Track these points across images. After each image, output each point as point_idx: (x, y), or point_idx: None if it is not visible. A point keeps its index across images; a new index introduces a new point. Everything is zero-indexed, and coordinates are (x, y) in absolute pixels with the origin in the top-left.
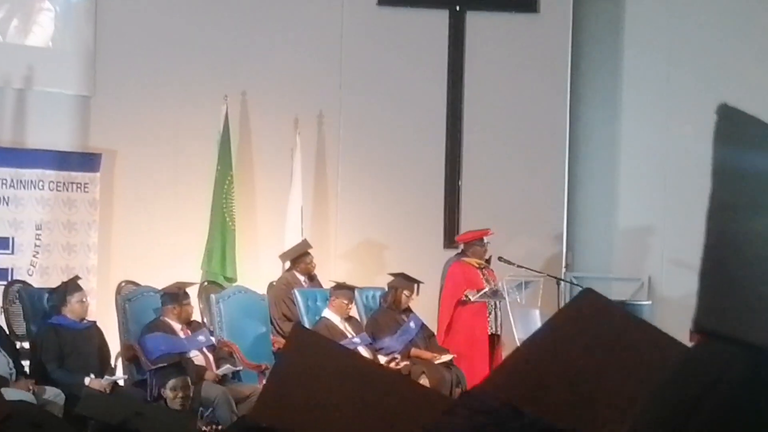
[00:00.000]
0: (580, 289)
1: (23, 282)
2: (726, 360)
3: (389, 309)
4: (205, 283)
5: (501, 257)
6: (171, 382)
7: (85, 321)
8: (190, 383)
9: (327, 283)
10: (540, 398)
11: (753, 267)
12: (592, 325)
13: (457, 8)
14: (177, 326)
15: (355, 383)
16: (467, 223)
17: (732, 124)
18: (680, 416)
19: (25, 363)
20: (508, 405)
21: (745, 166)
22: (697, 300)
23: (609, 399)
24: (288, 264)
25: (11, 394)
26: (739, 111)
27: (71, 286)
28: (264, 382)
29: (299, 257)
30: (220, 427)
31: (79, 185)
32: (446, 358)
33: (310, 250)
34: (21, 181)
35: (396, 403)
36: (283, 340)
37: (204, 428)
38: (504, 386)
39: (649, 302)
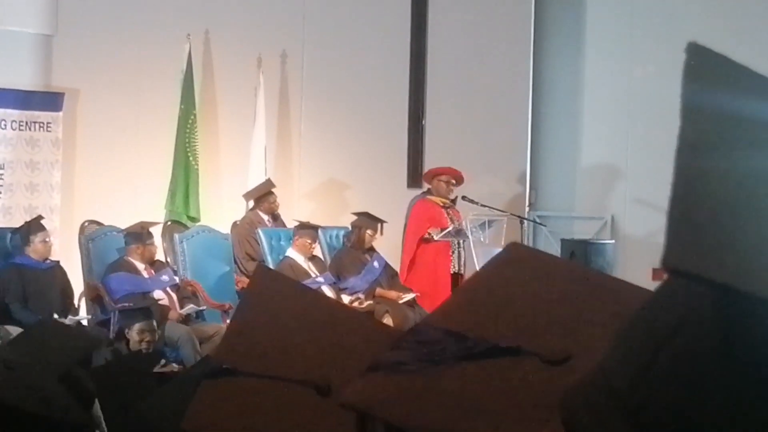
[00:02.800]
0: (543, 227)
1: None
2: (693, 299)
3: (353, 248)
4: (169, 223)
5: (465, 196)
6: (137, 326)
7: (48, 261)
8: (155, 327)
9: (291, 223)
10: (483, 324)
11: (721, 205)
12: (525, 266)
13: None
14: (140, 266)
15: (317, 324)
16: (431, 163)
17: (701, 63)
18: (647, 355)
19: None
20: (451, 332)
21: (714, 105)
22: (665, 238)
23: (551, 322)
24: (251, 203)
25: None
26: (709, 50)
27: (34, 225)
28: (228, 322)
29: (263, 196)
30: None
31: (41, 124)
32: (409, 297)
33: (273, 190)
34: None
35: (358, 343)
36: (246, 280)
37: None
38: (446, 319)
39: (612, 241)
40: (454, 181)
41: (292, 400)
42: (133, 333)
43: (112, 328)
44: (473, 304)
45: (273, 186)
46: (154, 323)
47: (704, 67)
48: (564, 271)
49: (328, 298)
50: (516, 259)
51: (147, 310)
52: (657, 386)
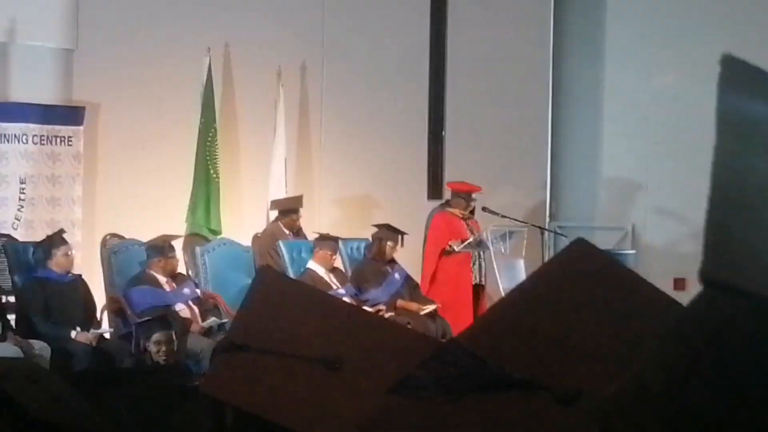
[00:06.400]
0: (564, 238)
1: (8, 236)
2: (729, 310)
3: (374, 260)
4: (190, 236)
5: (485, 207)
6: (155, 336)
7: (70, 274)
8: (174, 337)
9: (311, 235)
10: (508, 349)
11: (758, 215)
12: (579, 280)
13: None
14: (162, 279)
15: (322, 312)
16: (451, 174)
17: (736, 74)
18: (683, 366)
19: (11, 317)
20: (474, 357)
21: (749, 114)
22: (702, 250)
23: (587, 352)
24: (274, 215)
25: None
26: (743, 61)
27: (56, 239)
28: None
29: (287, 211)
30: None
31: (62, 139)
32: (431, 308)
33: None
34: (4, 135)
35: (363, 327)
36: None
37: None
38: (477, 339)
39: (633, 251)
40: (474, 196)
41: (301, 372)
42: (151, 344)
43: (134, 343)
44: (507, 321)
45: (301, 205)
46: (172, 334)
47: (739, 78)
48: (615, 284)
49: (331, 294)
50: (572, 265)
51: (165, 321)
52: (694, 395)
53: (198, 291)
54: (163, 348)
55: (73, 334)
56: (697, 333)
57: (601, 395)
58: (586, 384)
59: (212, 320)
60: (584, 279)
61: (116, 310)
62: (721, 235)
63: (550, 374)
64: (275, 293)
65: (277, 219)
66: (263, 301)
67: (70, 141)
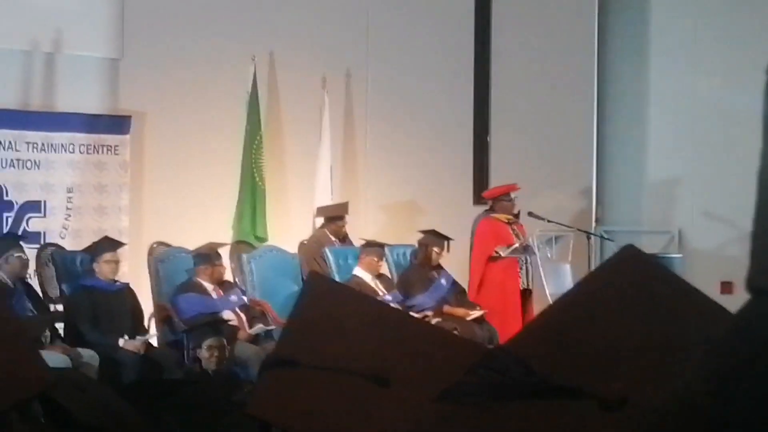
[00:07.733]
0: (611, 242)
1: (56, 245)
2: None
3: (420, 266)
4: (236, 243)
5: (531, 212)
6: (206, 342)
7: (117, 282)
8: (225, 343)
9: (357, 241)
10: (556, 356)
11: None
12: (627, 287)
13: None
14: (209, 287)
15: (373, 323)
16: (496, 179)
17: None
18: (730, 378)
19: (59, 326)
20: (522, 364)
21: None
22: (750, 258)
23: (634, 359)
24: (320, 221)
25: (47, 357)
26: None
27: (101, 246)
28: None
29: (333, 218)
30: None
31: (109, 147)
32: (477, 313)
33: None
34: (51, 145)
35: (414, 340)
36: None
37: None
38: (525, 346)
39: (680, 255)
40: (515, 195)
41: (350, 390)
42: (203, 351)
43: (186, 352)
44: (555, 329)
45: (347, 212)
46: (223, 339)
47: None
48: (664, 292)
49: (380, 301)
50: (621, 272)
51: (214, 326)
52: (741, 404)
53: (245, 298)
54: (216, 353)
55: (121, 342)
56: (745, 343)
57: (647, 404)
58: (631, 391)
59: (259, 327)
60: (632, 287)
61: (164, 318)
62: None
63: (596, 381)
64: (324, 303)
65: (323, 226)
66: (312, 311)
67: (117, 150)
